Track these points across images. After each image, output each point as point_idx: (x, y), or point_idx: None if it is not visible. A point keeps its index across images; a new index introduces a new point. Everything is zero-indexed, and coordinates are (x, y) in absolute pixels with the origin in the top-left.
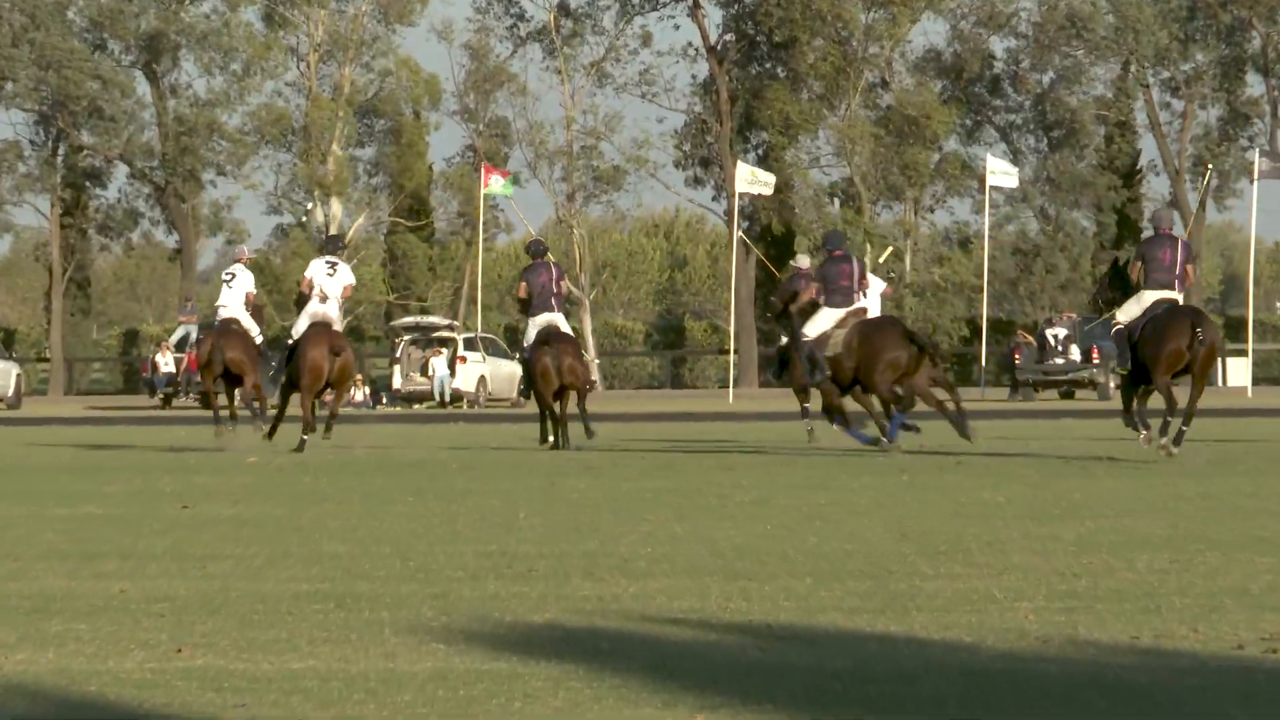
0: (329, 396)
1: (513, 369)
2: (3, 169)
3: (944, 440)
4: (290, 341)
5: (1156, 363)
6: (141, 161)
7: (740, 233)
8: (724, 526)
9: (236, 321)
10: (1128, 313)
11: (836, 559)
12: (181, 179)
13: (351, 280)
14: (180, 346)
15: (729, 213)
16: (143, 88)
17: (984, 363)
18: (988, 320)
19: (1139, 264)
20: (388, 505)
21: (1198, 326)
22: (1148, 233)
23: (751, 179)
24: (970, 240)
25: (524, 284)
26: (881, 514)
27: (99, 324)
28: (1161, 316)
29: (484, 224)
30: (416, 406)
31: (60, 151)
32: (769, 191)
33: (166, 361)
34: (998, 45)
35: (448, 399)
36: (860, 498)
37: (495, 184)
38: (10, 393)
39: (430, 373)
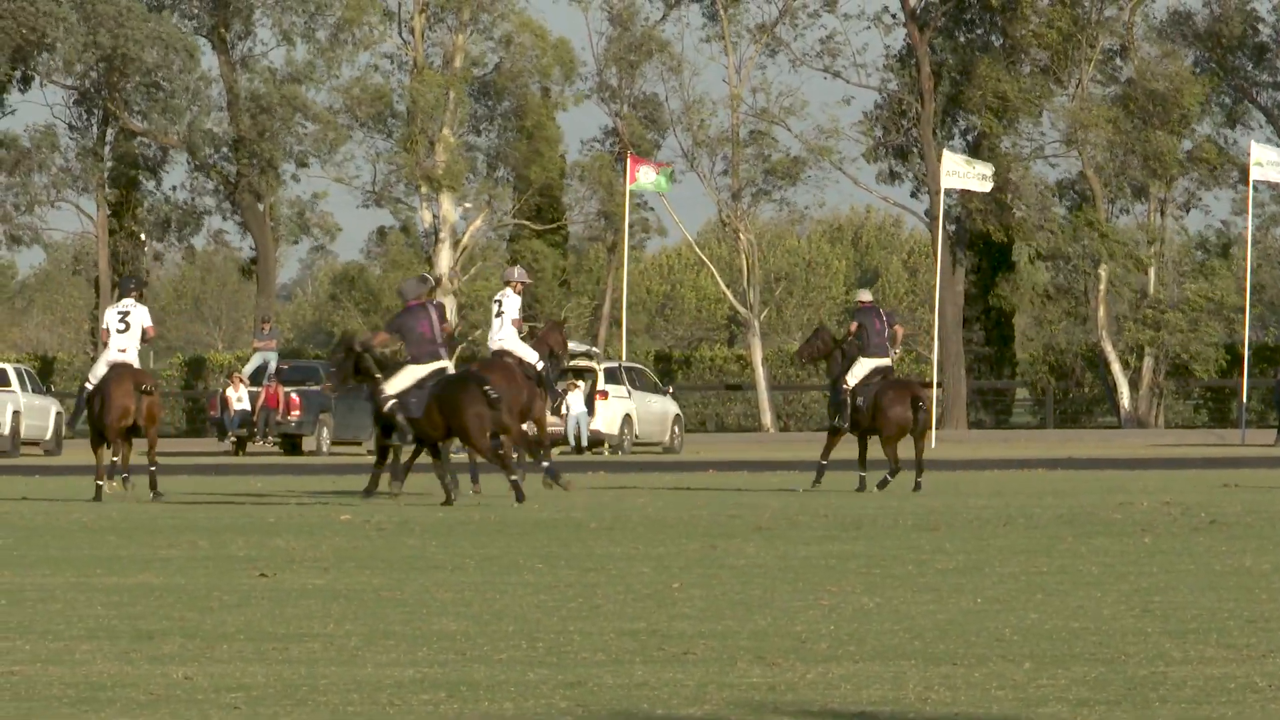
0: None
1: (664, 406)
2: (35, 162)
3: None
4: (89, 386)
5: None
6: (207, 149)
7: (947, 238)
8: (924, 600)
9: (510, 353)
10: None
11: (1062, 639)
12: (258, 170)
13: (148, 322)
14: (256, 378)
15: (932, 214)
16: (207, 60)
17: (1245, 398)
18: (1251, 346)
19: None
20: (511, 574)
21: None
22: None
23: (967, 169)
24: (1230, 247)
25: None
26: (1118, 585)
27: (157, 350)
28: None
29: (630, 227)
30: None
31: (107, 138)
32: (985, 187)
33: (239, 397)
34: (1263, 3)
35: (585, 443)
36: (1091, 565)
37: (645, 178)
38: (49, 435)
39: (564, 411)
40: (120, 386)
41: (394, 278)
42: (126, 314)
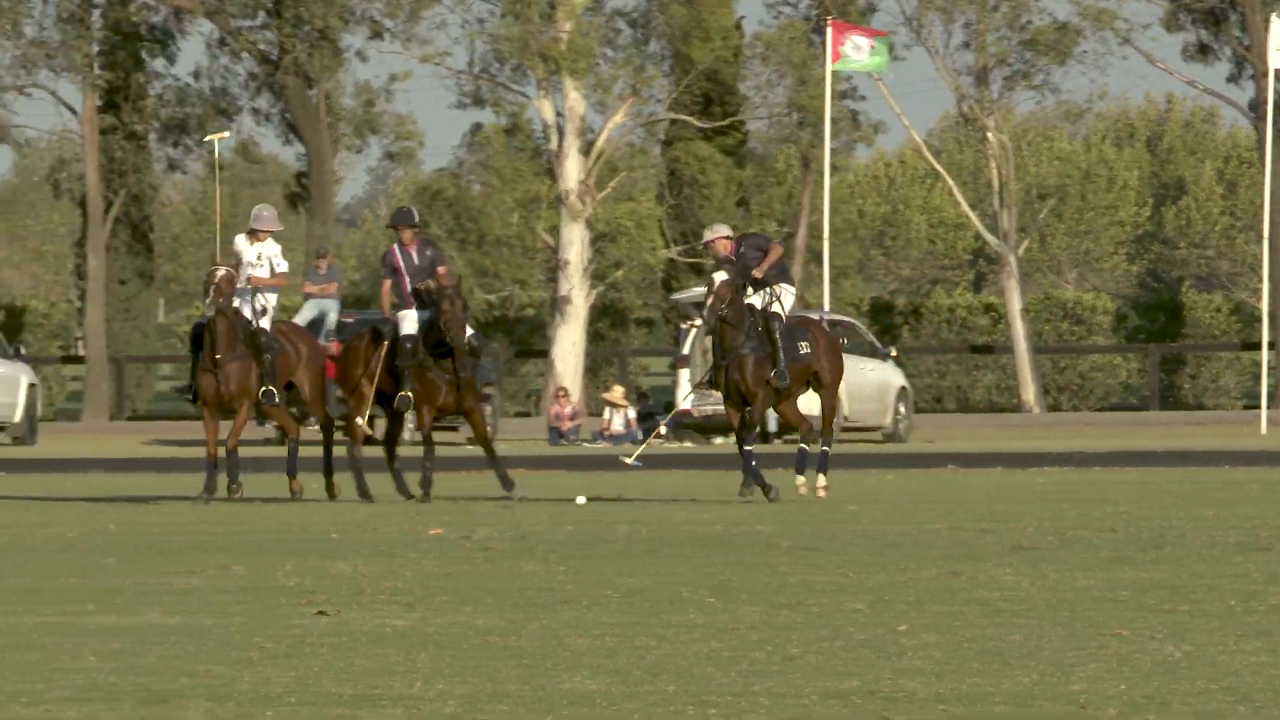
0: None
1: (884, 376)
2: None
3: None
4: None
5: None
6: (238, 15)
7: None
8: (1252, 649)
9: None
10: None
11: None
12: (307, 44)
13: None
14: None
15: (1258, 105)
16: None
17: None
18: None
19: None
20: (671, 612)
21: None
22: None
23: None
24: None
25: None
26: None
27: (167, 298)
28: None
29: (833, 124)
30: (719, 440)
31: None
32: None
33: None
34: None
35: (772, 427)
36: None
37: (854, 53)
38: (18, 416)
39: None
40: None
41: (493, 202)
42: None
